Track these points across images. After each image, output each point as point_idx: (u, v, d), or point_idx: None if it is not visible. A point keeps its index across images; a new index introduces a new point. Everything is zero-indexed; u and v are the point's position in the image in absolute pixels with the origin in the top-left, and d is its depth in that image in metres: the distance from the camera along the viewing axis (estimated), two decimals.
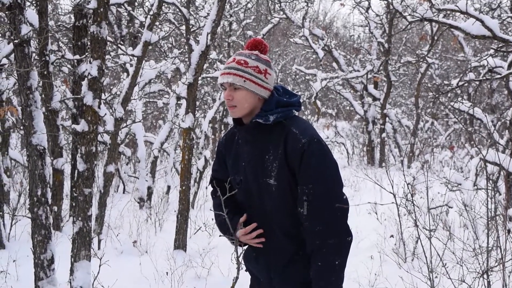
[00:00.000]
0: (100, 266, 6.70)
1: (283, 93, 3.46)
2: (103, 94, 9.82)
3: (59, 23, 14.26)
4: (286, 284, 3.39)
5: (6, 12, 7.02)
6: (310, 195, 3.16)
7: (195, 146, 15.36)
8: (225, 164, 3.64)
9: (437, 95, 15.44)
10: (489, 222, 5.64)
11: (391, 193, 7.06)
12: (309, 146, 3.16)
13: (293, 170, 3.21)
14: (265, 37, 23.69)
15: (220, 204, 3.52)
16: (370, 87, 23.48)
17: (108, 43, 12.54)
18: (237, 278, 3.55)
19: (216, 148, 3.75)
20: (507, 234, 5.59)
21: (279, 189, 3.26)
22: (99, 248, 8.96)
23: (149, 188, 13.40)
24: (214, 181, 3.77)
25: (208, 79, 18.43)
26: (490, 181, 9.02)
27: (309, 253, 3.23)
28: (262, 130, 3.34)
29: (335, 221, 3.17)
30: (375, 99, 23.31)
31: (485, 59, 10.54)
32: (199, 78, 9.75)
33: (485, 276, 5.44)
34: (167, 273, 7.51)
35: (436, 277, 6.37)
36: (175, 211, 9.74)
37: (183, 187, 9.22)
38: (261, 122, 3.30)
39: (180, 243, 9.13)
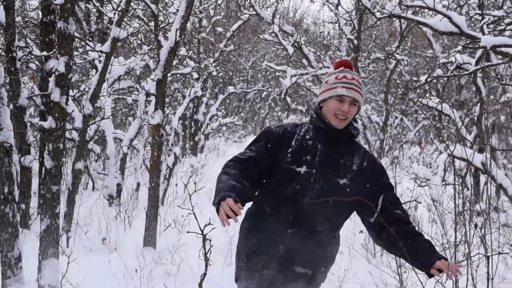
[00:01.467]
0: (68, 263, 6.65)
1: None
2: (71, 90, 9.74)
3: (27, 19, 14.13)
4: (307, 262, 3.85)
5: None
6: (398, 200, 3.92)
7: (164, 143, 15.31)
8: (274, 152, 3.85)
9: (406, 92, 15.58)
10: (457, 217, 5.68)
11: None
12: (382, 165, 3.99)
13: (367, 180, 3.84)
14: (235, 33, 23.69)
15: (235, 173, 3.69)
16: None
17: (76, 39, 12.43)
18: (205, 274, 3.55)
19: (269, 133, 3.95)
20: (474, 228, 5.64)
21: (349, 188, 3.79)
22: (67, 246, 8.89)
23: (118, 185, 13.32)
24: (243, 161, 3.83)
25: (178, 75, 18.38)
26: (458, 176, 9.10)
27: (409, 232, 3.78)
28: (346, 139, 3.89)
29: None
30: None
31: (453, 55, 10.64)
32: (169, 74, 9.72)
33: None
34: (136, 270, 7.47)
35: (405, 271, 6.39)
36: (144, 208, 9.69)
37: (152, 184, 9.18)
38: (354, 133, 3.89)
39: (150, 240, 9.09)
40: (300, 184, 3.76)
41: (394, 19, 11.23)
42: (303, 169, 3.78)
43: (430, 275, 3.66)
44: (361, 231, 9.06)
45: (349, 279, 7.06)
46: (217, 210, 3.43)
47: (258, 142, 3.93)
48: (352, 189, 3.78)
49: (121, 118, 23.01)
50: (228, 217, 3.36)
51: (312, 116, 3.94)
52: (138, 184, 13.94)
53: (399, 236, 3.68)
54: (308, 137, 3.88)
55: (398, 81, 25.13)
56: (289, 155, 3.82)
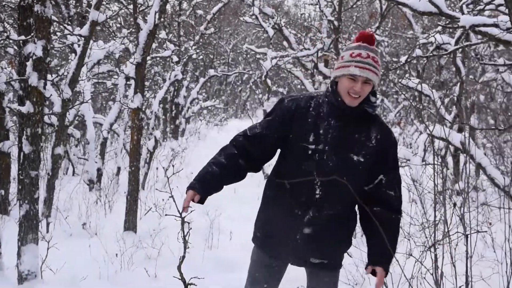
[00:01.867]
0: (48, 249, 6.65)
1: None
2: (49, 75, 9.67)
3: (4, 3, 13.97)
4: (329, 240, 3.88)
5: None
6: (398, 182, 3.89)
7: (145, 127, 15.25)
8: (286, 127, 3.83)
9: (386, 72, 15.55)
10: (436, 197, 5.71)
11: None
12: (395, 140, 3.92)
13: (381, 155, 3.80)
14: (215, 16, 23.59)
15: (221, 164, 3.78)
16: (321, 66, 23.47)
17: (54, 23, 12.32)
18: (183, 257, 3.54)
19: (282, 107, 3.93)
20: (453, 208, 5.67)
21: (363, 166, 3.75)
22: (47, 231, 8.85)
23: (98, 169, 13.26)
24: (241, 141, 3.90)
25: (158, 59, 18.29)
26: (437, 156, 9.14)
27: (383, 219, 3.76)
28: (362, 116, 3.80)
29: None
30: (325, 77, 23.35)
31: (433, 36, 10.64)
32: (148, 58, 9.67)
33: (432, 249, 5.51)
34: (116, 254, 7.46)
35: None
36: (125, 192, 9.66)
37: (133, 168, 9.15)
38: (369, 111, 3.79)
39: (130, 224, 9.07)
40: (313, 161, 3.74)
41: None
42: (316, 146, 3.75)
43: (367, 267, 3.85)
44: None
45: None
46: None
47: (270, 116, 3.94)
48: (365, 165, 3.77)
49: (101, 102, 22.88)
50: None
51: (327, 89, 3.88)
52: (119, 169, 13.88)
53: (376, 218, 3.73)
54: (322, 112, 3.82)
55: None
56: (301, 132, 3.79)
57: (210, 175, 3.73)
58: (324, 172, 3.70)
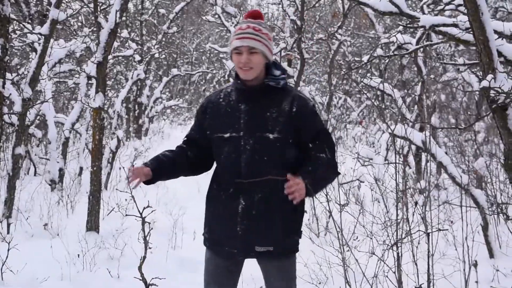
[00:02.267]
0: (8, 250, 6.56)
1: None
2: (9, 74, 9.55)
3: None
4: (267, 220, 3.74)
5: None
6: (329, 146, 3.82)
7: (107, 126, 15.14)
8: (203, 125, 3.93)
9: (349, 72, 15.65)
10: (398, 196, 5.75)
11: None
12: (314, 107, 3.86)
13: (299, 126, 3.75)
14: (178, 15, 23.52)
15: (172, 151, 3.98)
16: (284, 65, 23.56)
17: (14, 21, 12.17)
18: (144, 257, 3.52)
19: (198, 108, 4.07)
20: (415, 206, 5.71)
21: (280, 142, 3.71)
22: (8, 232, 8.73)
23: (60, 169, 13.12)
24: (185, 140, 4.08)
25: (120, 57, 18.18)
26: (399, 155, 9.21)
27: (324, 161, 3.75)
28: (268, 92, 3.81)
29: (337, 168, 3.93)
30: (289, 76, 23.41)
31: (394, 35, 10.73)
32: (110, 57, 9.60)
33: (394, 248, 5.55)
34: (78, 255, 7.38)
35: (348, 250, 6.45)
36: (87, 192, 9.57)
37: (95, 168, 9.08)
38: (273, 85, 3.79)
39: (93, 224, 9.00)
40: (232, 150, 3.75)
41: None
42: (231, 134, 3.76)
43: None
44: (305, 211, 9.10)
45: None
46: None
47: (195, 119, 4.07)
48: (283, 140, 3.72)
49: (63, 102, 22.67)
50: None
51: (233, 77, 3.93)
52: (81, 169, 13.76)
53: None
54: (232, 100, 3.86)
55: (341, 62, 25.30)
56: (215, 124, 3.84)
57: (163, 156, 3.89)
58: (246, 158, 3.71)
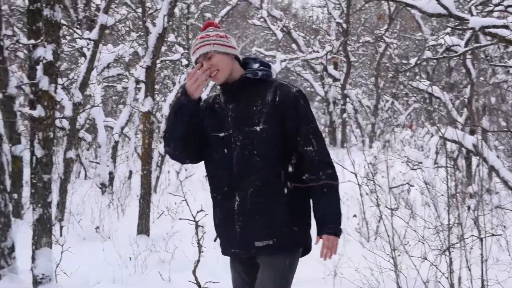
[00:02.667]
0: (62, 253, 6.64)
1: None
2: (59, 78, 9.69)
3: (13, 7, 14.01)
4: (268, 220, 3.61)
5: None
6: (315, 134, 3.67)
7: (156, 130, 15.26)
8: (202, 125, 3.82)
9: (396, 75, 15.54)
10: (450, 200, 5.68)
11: (352, 173, 7.08)
12: (300, 95, 3.71)
13: (283, 116, 3.65)
14: (223, 19, 23.60)
15: None
16: (330, 68, 23.55)
17: (64, 27, 12.35)
18: (198, 261, 3.52)
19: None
20: (467, 211, 5.65)
21: (267, 133, 3.64)
22: (61, 235, 8.84)
23: (110, 173, 13.28)
24: None
25: (168, 62, 18.30)
26: (450, 158, 9.12)
27: (313, 185, 3.62)
28: (249, 86, 3.75)
29: (329, 155, 3.74)
30: (335, 79, 23.40)
31: (442, 37, 10.61)
32: (158, 61, 9.67)
33: (446, 253, 5.49)
34: (130, 258, 7.45)
35: (399, 255, 6.40)
36: (137, 196, 9.66)
37: (144, 172, 9.16)
38: (250, 77, 3.73)
39: (143, 228, 9.07)
40: (224, 148, 3.72)
41: (382, 1, 11.25)
42: (224, 134, 3.73)
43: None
44: (355, 215, 9.06)
45: (343, 263, 7.05)
46: (184, 99, 3.73)
47: None
48: (270, 131, 3.64)
49: (112, 106, 22.93)
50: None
51: None
52: (130, 172, 13.90)
53: (308, 188, 3.64)
54: (220, 103, 3.84)
55: (388, 65, 25.14)
56: (210, 125, 3.80)
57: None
58: (236, 155, 3.68)
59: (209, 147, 3.81)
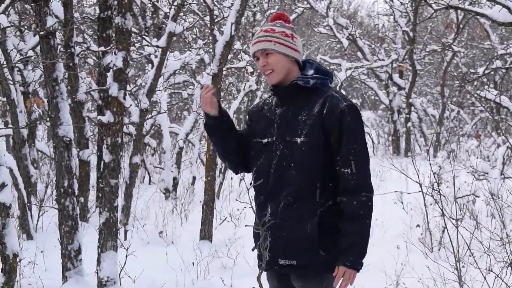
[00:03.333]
0: (126, 256, 6.75)
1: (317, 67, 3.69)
2: (128, 85, 9.86)
3: (84, 15, 14.32)
4: (298, 232, 3.48)
5: (32, 4, 7.08)
6: (356, 156, 3.45)
7: None
8: (250, 130, 3.79)
9: (463, 84, 15.32)
10: None
11: (417, 182, 7.02)
12: (350, 111, 3.46)
13: (328, 130, 3.46)
14: None
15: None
16: (395, 76, 23.37)
17: (133, 34, 12.57)
18: (263, 267, 3.52)
19: (247, 114, 3.94)
20: None
21: (307, 146, 3.47)
22: (125, 239, 9.00)
23: (174, 179, 13.44)
24: None
25: (233, 69, 18.43)
26: None
27: (344, 209, 3.44)
28: (299, 93, 3.58)
29: (371, 182, 3.52)
30: (400, 88, 23.20)
31: None
32: (224, 68, 9.75)
33: None
34: (193, 263, 7.53)
35: (463, 266, 6.32)
36: (200, 201, 9.75)
37: (208, 178, 9.23)
38: (301, 84, 3.55)
39: (206, 233, 9.15)
40: (266, 156, 3.60)
41: (451, 10, 11.09)
42: (268, 140, 3.62)
43: None
44: (418, 225, 8.98)
45: (406, 273, 6.99)
46: (205, 119, 3.75)
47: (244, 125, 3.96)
48: (311, 145, 3.47)
49: (177, 112, 23.19)
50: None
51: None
52: (194, 178, 14.03)
53: (340, 210, 3.46)
54: (271, 106, 3.71)
55: (454, 73, 24.80)
56: (257, 129, 3.71)
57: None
58: (274, 164, 3.56)
59: (253, 153, 3.71)
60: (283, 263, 3.52)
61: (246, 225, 3.65)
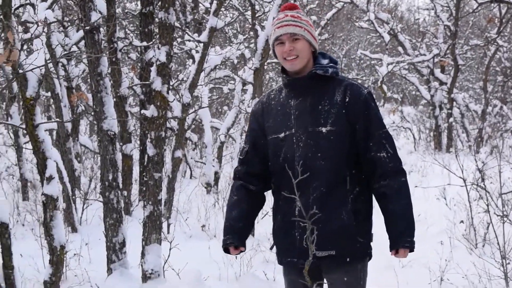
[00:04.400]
0: (170, 249, 6.80)
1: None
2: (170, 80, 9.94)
3: (126, 10, 14.44)
4: (331, 223, 3.46)
5: (76, 0, 7.17)
6: (387, 139, 3.51)
7: None
8: (260, 130, 3.70)
9: (506, 79, 15.14)
10: None
11: (461, 178, 6.96)
12: (371, 97, 3.55)
13: (353, 118, 3.47)
14: (329, 22, 23.57)
15: (237, 203, 3.74)
16: (437, 71, 23.13)
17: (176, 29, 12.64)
18: (310, 261, 3.51)
19: (251, 115, 3.81)
20: None
21: (334, 135, 3.45)
22: (168, 232, 9.07)
23: (216, 173, 13.49)
24: (241, 170, 3.79)
25: (273, 64, 18.46)
26: None
27: (387, 192, 3.46)
28: (317, 83, 3.54)
29: (402, 162, 3.57)
30: (441, 83, 22.96)
31: None
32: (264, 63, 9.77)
33: None
34: (236, 257, 7.55)
35: (509, 263, 6.25)
36: None
37: None
38: (320, 73, 3.51)
39: None
40: (286, 150, 3.53)
41: (494, 4, 10.98)
42: (285, 133, 3.55)
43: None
44: (462, 221, 8.89)
45: (450, 269, 6.93)
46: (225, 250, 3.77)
47: (248, 128, 3.84)
48: (337, 134, 3.45)
49: (216, 107, 23.28)
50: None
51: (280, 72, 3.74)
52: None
53: (381, 195, 3.49)
54: (282, 98, 3.65)
55: (497, 68, 24.49)
56: (270, 125, 3.63)
57: (233, 221, 3.70)
58: (298, 157, 3.48)
59: (270, 151, 3.64)
60: (321, 254, 3.47)
61: (293, 219, 3.58)
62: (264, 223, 9.74)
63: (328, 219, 3.45)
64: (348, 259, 3.52)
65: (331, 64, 3.57)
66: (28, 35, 6.10)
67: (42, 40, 5.50)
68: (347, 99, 3.47)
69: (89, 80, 8.97)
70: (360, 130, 3.48)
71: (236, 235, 3.67)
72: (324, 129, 3.46)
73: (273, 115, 3.64)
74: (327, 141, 3.46)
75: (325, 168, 3.45)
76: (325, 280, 3.71)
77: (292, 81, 3.58)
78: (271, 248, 3.85)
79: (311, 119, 3.50)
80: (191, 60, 14.05)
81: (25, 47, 6.03)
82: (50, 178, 5.47)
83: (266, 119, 3.67)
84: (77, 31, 10.77)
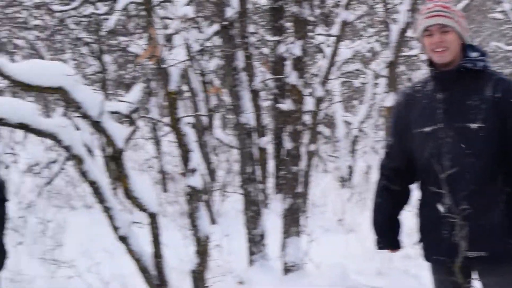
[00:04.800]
0: (309, 243, 6.81)
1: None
2: None
3: (256, 5, 14.56)
4: (484, 224, 3.29)
5: None
6: None
7: None
8: (404, 125, 3.55)
9: None
10: None
11: None
12: None
13: (504, 113, 3.26)
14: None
15: (381, 206, 3.71)
16: None
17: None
18: (462, 256, 3.37)
19: (394, 109, 3.72)
20: None
21: (484, 131, 3.26)
22: (305, 226, 9.09)
23: (349, 167, 13.42)
24: (385, 166, 3.70)
25: (405, 57, 18.18)
26: None
27: None
28: (465, 77, 3.35)
29: None
30: None
31: None
32: None
33: None
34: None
35: None
36: None
37: None
38: (469, 67, 3.33)
39: None
40: (433, 145, 3.36)
41: None
42: (431, 128, 3.37)
43: None
44: None
45: None
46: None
47: (392, 121, 3.72)
48: (487, 130, 3.25)
49: (346, 101, 23.15)
50: None
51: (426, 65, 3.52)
52: (369, 166, 13.94)
53: None
54: (428, 90, 3.46)
55: None
56: (415, 118, 3.44)
57: (379, 226, 3.74)
58: (446, 152, 3.31)
59: (415, 146, 3.48)
60: (471, 255, 3.30)
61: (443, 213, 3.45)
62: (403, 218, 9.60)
63: (480, 219, 3.29)
64: (501, 261, 3.34)
65: (481, 58, 3.38)
66: (168, 31, 6.26)
67: (182, 36, 5.62)
68: (498, 95, 3.28)
69: (222, 75, 9.12)
70: (509, 126, 3.28)
71: (385, 239, 3.72)
72: (473, 125, 3.28)
73: (418, 108, 3.49)
74: (476, 137, 3.28)
75: (477, 166, 3.28)
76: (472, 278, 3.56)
77: (439, 74, 3.40)
78: (417, 244, 3.68)
79: (459, 114, 3.33)
80: (321, 55, 14.02)
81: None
82: (194, 170, 5.58)
83: (410, 111, 3.52)
84: (210, 26, 10.95)
